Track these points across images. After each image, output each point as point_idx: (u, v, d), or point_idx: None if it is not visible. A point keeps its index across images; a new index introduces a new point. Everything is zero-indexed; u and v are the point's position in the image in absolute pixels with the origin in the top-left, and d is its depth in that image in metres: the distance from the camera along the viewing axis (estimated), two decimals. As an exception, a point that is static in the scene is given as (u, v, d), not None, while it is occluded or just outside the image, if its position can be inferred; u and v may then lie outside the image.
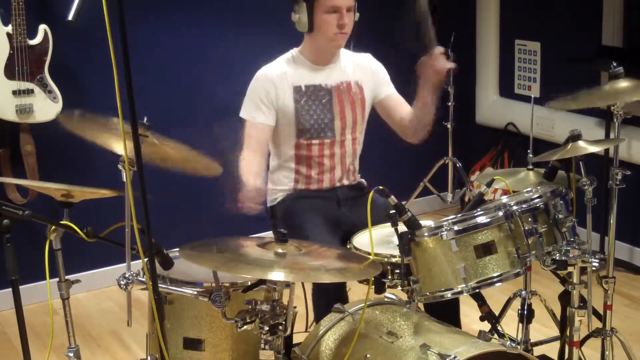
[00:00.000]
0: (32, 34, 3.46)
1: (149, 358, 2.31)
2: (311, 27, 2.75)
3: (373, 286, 2.19)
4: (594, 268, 2.24)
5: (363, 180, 3.02)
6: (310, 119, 2.81)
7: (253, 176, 2.68)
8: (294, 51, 2.88)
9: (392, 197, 2.09)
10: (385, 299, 2.39)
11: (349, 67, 2.91)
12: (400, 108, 2.96)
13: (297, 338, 2.34)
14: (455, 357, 1.94)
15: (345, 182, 2.93)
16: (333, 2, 2.69)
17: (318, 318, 2.53)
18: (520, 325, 2.59)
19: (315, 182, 2.87)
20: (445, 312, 2.55)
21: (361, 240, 2.46)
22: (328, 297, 2.50)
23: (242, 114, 2.82)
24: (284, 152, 2.87)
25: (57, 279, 2.14)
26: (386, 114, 2.99)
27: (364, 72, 2.94)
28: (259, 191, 2.62)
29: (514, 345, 2.48)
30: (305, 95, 2.81)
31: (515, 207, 2.15)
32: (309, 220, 2.71)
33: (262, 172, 2.77)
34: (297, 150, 2.84)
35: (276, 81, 2.79)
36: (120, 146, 2.10)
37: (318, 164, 2.85)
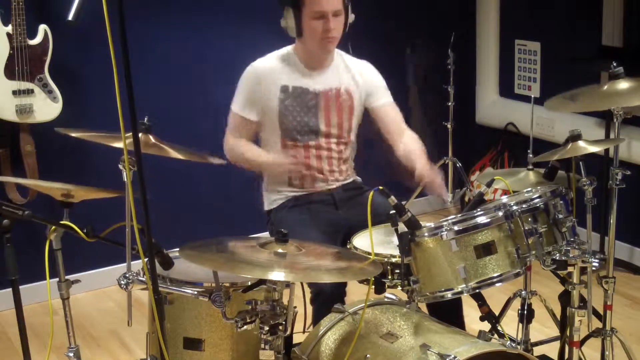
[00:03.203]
0: (32, 34, 3.46)
1: (149, 358, 2.31)
2: (300, 33, 2.75)
3: (373, 286, 2.19)
4: (594, 268, 2.24)
5: (358, 177, 3.02)
6: (294, 121, 2.80)
7: (251, 150, 2.79)
8: (290, 48, 2.87)
9: (392, 197, 2.09)
10: (385, 299, 2.39)
11: (340, 73, 2.89)
12: (392, 124, 2.91)
13: (297, 338, 2.34)
14: (455, 357, 1.94)
15: (340, 180, 2.91)
16: (318, 8, 2.67)
17: (316, 320, 2.53)
18: (520, 325, 2.59)
19: (309, 181, 2.85)
20: (448, 313, 2.55)
21: (361, 240, 2.46)
22: (326, 299, 2.49)
23: (232, 105, 2.84)
24: (273, 150, 2.85)
25: (57, 279, 2.14)
26: (377, 123, 2.95)
27: (356, 80, 2.91)
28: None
29: (514, 345, 2.48)
30: (291, 97, 2.80)
31: (515, 207, 2.15)
32: (306, 228, 2.68)
33: (255, 147, 2.86)
34: (284, 148, 2.83)
35: (262, 78, 2.79)
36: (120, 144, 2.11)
37: (306, 166, 2.84)
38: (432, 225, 2.12)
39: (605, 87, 2.45)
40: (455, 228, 2.09)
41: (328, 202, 2.87)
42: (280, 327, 1.97)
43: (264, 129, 2.86)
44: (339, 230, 2.75)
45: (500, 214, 2.12)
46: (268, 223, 2.93)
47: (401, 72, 4.52)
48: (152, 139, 2.35)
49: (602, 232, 3.91)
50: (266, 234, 3.02)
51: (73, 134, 2.40)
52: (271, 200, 2.90)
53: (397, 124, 2.92)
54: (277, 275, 1.85)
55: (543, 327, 3.05)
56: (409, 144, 2.84)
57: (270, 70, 2.80)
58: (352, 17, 2.80)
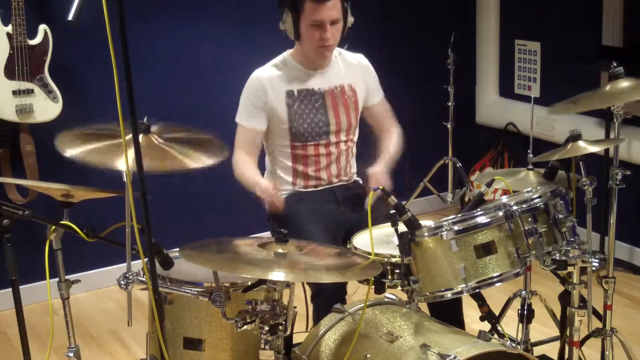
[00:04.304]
0: (32, 34, 3.46)
1: (149, 358, 2.31)
2: (298, 37, 2.76)
3: (373, 286, 2.19)
4: (594, 268, 2.24)
5: (359, 179, 3.03)
6: (304, 123, 2.82)
7: (251, 172, 2.77)
8: (286, 54, 2.89)
9: (392, 197, 2.09)
10: (385, 299, 2.39)
11: (341, 70, 2.92)
12: (382, 121, 3.03)
13: (297, 338, 2.34)
14: (455, 357, 1.94)
15: (344, 177, 2.93)
16: (316, 17, 2.68)
17: (316, 318, 2.53)
18: (520, 325, 2.59)
19: (313, 179, 2.87)
20: (448, 313, 2.55)
21: (361, 240, 2.46)
22: (327, 298, 2.49)
23: (237, 118, 2.86)
24: (280, 152, 2.88)
25: (57, 279, 2.14)
26: (369, 120, 3.05)
27: (356, 74, 2.95)
28: (271, 185, 2.69)
29: (514, 345, 2.48)
30: (298, 100, 2.82)
31: (515, 207, 2.15)
32: (309, 224, 2.70)
33: (257, 170, 2.84)
34: (293, 150, 2.85)
35: (267, 86, 2.80)
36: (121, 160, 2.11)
37: (314, 162, 2.86)
38: (432, 225, 2.12)
39: (607, 88, 2.45)
40: (455, 228, 2.09)
41: (330, 198, 2.88)
42: (280, 327, 1.97)
43: (271, 136, 2.87)
44: (339, 228, 2.76)
45: (500, 214, 2.12)
46: (269, 220, 2.93)
47: (401, 72, 4.51)
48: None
49: (602, 232, 3.91)
50: (267, 234, 3.02)
51: (71, 151, 2.36)
52: None
53: (388, 119, 3.05)
54: (277, 275, 1.85)
55: (543, 327, 3.05)
56: (384, 142, 2.98)
57: (274, 78, 2.82)
58: (351, 21, 2.80)
